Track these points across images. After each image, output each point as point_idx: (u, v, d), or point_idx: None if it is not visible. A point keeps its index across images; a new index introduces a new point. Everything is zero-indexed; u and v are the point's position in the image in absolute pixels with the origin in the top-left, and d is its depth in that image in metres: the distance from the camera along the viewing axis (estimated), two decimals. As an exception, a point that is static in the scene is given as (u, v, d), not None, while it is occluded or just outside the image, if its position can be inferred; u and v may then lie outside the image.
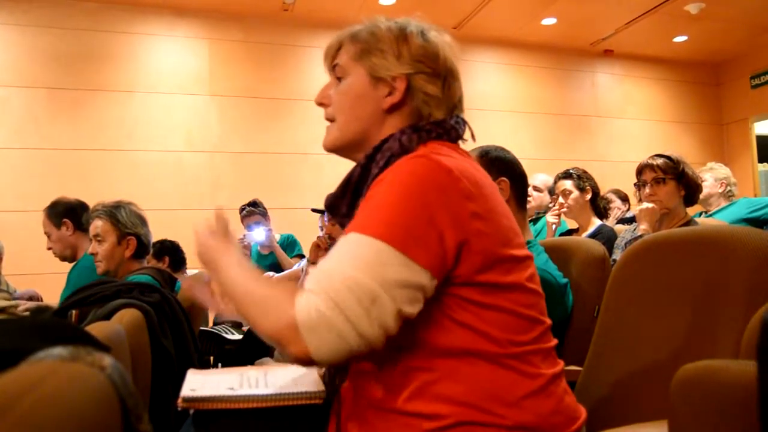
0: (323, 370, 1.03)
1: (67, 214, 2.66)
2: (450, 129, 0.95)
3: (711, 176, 3.42)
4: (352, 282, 0.75)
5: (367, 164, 0.93)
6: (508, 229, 0.88)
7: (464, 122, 1.00)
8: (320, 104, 1.02)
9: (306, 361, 0.76)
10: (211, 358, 2.99)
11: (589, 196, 2.76)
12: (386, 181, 0.83)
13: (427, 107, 0.95)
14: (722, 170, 3.48)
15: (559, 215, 2.86)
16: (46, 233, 2.71)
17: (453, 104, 0.98)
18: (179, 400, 0.95)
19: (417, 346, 0.83)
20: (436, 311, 0.83)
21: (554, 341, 0.94)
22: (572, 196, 2.75)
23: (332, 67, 1.01)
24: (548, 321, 0.93)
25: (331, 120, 1.01)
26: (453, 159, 0.85)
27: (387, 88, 0.95)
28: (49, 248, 2.72)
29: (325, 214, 2.71)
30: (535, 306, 0.90)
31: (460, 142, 0.99)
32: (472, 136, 1.01)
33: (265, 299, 0.78)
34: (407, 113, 0.96)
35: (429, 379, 0.83)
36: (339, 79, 0.99)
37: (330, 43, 1.02)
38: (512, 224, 0.91)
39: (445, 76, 0.96)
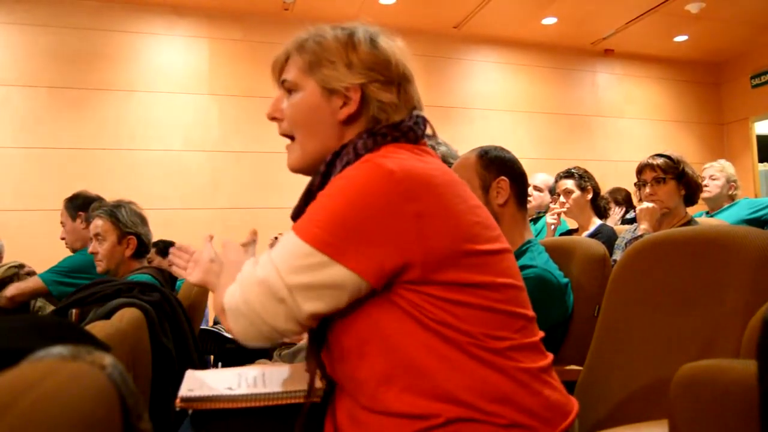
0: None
1: (84, 208, 2.68)
2: (407, 131, 0.93)
3: (723, 176, 3.38)
4: (265, 282, 0.84)
5: (327, 171, 0.92)
6: (472, 224, 0.86)
7: (424, 121, 0.98)
8: (272, 119, 1.01)
9: (236, 338, 0.90)
10: (212, 357, 2.99)
11: (590, 196, 2.76)
12: (328, 186, 0.86)
13: (384, 113, 0.94)
14: (732, 170, 3.45)
15: (558, 215, 2.86)
16: (61, 222, 2.78)
17: (412, 107, 0.97)
18: (177, 401, 0.95)
19: (396, 347, 0.83)
20: (410, 312, 0.83)
21: (539, 334, 0.93)
22: (573, 195, 2.75)
23: (281, 82, 1.00)
24: (530, 314, 0.92)
25: (286, 135, 1.01)
26: (401, 160, 0.84)
27: (341, 100, 0.94)
28: (63, 238, 2.78)
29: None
30: (513, 300, 0.89)
31: (426, 140, 0.99)
32: (433, 132, 1.00)
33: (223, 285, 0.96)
34: (364, 122, 0.95)
35: (412, 379, 0.82)
36: (290, 92, 0.98)
37: (277, 55, 1.01)
38: (481, 219, 0.89)
39: (399, 82, 0.95)
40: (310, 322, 0.86)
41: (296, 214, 0.96)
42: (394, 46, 0.97)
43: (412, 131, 0.94)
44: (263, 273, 0.84)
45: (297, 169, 1.01)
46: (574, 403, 0.92)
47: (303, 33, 0.99)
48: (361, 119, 0.95)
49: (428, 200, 0.82)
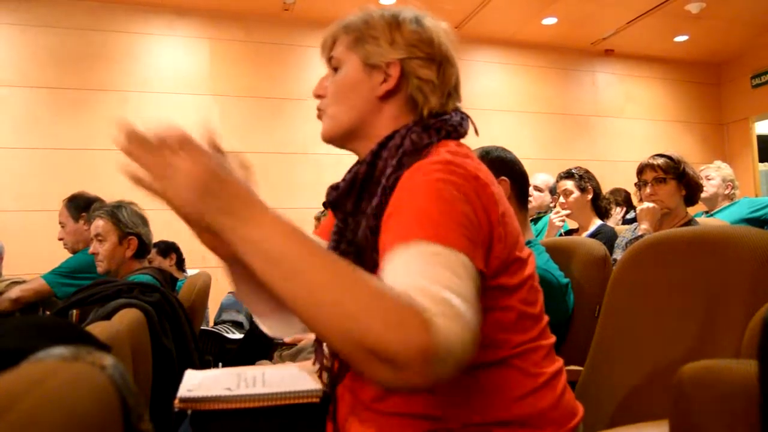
0: (317, 367, 1.02)
1: (86, 208, 2.65)
2: (457, 125, 0.94)
3: (719, 176, 3.40)
4: (467, 299, 0.65)
5: (373, 161, 0.91)
6: (518, 232, 0.89)
7: (468, 118, 0.99)
8: (317, 96, 1.01)
9: (414, 390, 0.69)
10: (212, 358, 2.99)
11: (590, 197, 2.76)
12: (422, 188, 0.78)
13: (421, 93, 0.93)
14: (728, 170, 3.46)
15: (563, 219, 2.84)
16: (60, 222, 2.72)
17: (448, 90, 0.96)
18: (176, 401, 0.95)
19: None
20: None
21: (553, 338, 0.95)
22: (573, 196, 2.75)
23: (328, 59, 1.00)
24: (546, 317, 0.94)
25: (321, 110, 1.00)
26: (473, 162, 0.85)
27: (381, 75, 0.94)
28: (61, 239, 2.73)
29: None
30: (536, 303, 0.91)
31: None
32: (476, 131, 1.00)
33: (387, 306, 0.59)
34: (402, 100, 0.95)
35: None
36: (335, 70, 0.99)
37: (325, 35, 1.02)
38: (518, 225, 0.91)
39: (441, 62, 0.95)
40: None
41: (336, 201, 0.95)
42: (440, 28, 0.97)
43: (461, 126, 0.95)
44: (461, 289, 0.65)
45: (328, 139, 0.99)
46: (580, 408, 0.93)
47: (351, 15, 1.00)
48: (398, 96, 0.94)
49: (501, 205, 0.84)
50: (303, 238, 0.64)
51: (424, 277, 0.65)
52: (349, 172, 0.94)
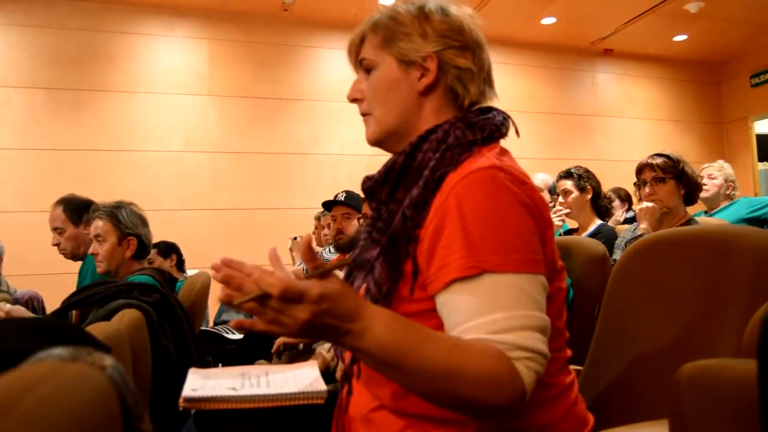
0: (324, 367, 1.03)
1: (87, 212, 2.52)
2: (500, 125, 0.93)
3: (721, 175, 3.40)
4: (541, 329, 0.77)
5: (412, 152, 0.90)
6: (554, 239, 0.89)
7: (509, 119, 0.97)
8: (353, 100, 0.99)
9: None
10: (211, 358, 2.99)
11: (589, 196, 2.75)
12: (477, 203, 0.79)
13: (460, 83, 0.92)
14: (730, 170, 3.47)
15: (562, 219, 2.84)
16: (56, 228, 2.59)
17: (484, 77, 0.96)
18: (180, 401, 0.95)
19: None
20: None
21: (569, 352, 0.95)
22: (572, 196, 2.74)
23: (359, 62, 0.99)
24: (567, 333, 0.95)
25: (366, 114, 0.98)
26: (519, 167, 0.85)
27: (419, 71, 0.92)
28: (56, 244, 2.61)
29: (332, 209, 2.69)
30: (561, 316, 0.91)
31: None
32: (516, 132, 0.98)
33: (488, 375, 0.72)
34: (442, 93, 0.93)
35: None
36: (368, 71, 0.97)
37: (352, 37, 1.00)
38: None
39: (473, 48, 0.94)
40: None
41: (371, 189, 0.95)
42: (465, 14, 0.96)
43: (503, 126, 0.94)
44: (538, 323, 0.77)
45: (376, 142, 0.98)
46: (591, 419, 0.94)
47: (375, 13, 0.98)
48: (438, 89, 0.93)
49: (546, 210, 0.85)
50: (405, 338, 0.72)
51: (502, 321, 0.74)
52: (386, 163, 0.93)
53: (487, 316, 0.74)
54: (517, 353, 0.73)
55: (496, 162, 0.82)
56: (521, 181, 0.81)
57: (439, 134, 0.89)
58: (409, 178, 0.89)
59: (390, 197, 0.91)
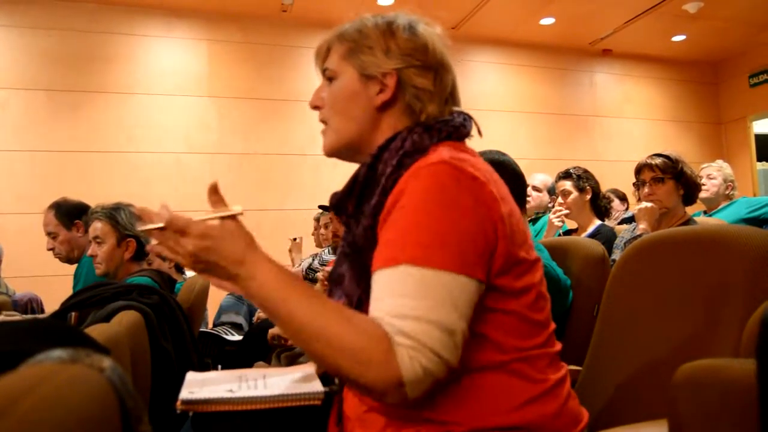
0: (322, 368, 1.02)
1: (79, 216, 2.58)
2: (459, 126, 0.93)
3: (720, 175, 3.40)
4: (443, 326, 0.74)
5: (373, 163, 0.91)
6: (522, 231, 0.88)
7: (470, 119, 0.98)
8: (314, 107, 1.00)
9: (402, 404, 0.77)
10: (210, 359, 2.99)
11: (588, 197, 2.75)
12: (416, 195, 0.80)
13: (419, 102, 0.93)
14: (729, 170, 3.47)
15: (562, 220, 2.84)
16: (50, 233, 2.61)
17: (446, 97, 0.96)
18: (178, 403, 0.95)
19: None
20: None
21: (559, 346, 0.94)
22: (571, 197, 2.74)
23: (323, 70, 1.00)
24: (553, 325, 0.94)
25: (324, 122, 0.99)
26: (472, 163, 0.84)
27: (378, 86, 0.93)
28: (50, 249, 2.63)
29: (330, 211, 2.69)
30: (543, 309, 0.90)
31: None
32: (479, 132, 0.99)
33: (354, 346, 0.72)
34: (400, 109, 0.94)
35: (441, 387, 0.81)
36: (330, 80, 0.98)
37: (319, 45, 1.01)
38: (524, 225, 0.91)
39: (436, 69, 0.94)
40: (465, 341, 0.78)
41: (338, 204, 0.96)
42: (434, 33, 0.96)
43: (463, 127, 0.94)
44: (435, 316, 0.74)
45: (330, 153, 0.99)
46: (585, 414, 0.94)
47: (346, 23, 0.99)
48: (396, 106, 0.94)
49: (503, 203, 0.84)
50: (289, 288, 0.77)
51: (402, 307, 0.74)
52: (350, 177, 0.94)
53: (391, 299, 0.76)
54: (402, 339, 0.72)
55: (445, 157, 0.82)
56: (471, 176, 0.81)
57: (398, 142, 0.90)
58: (372, 188, 0.90)
59: (357, 210, 0.92)
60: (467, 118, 0.97)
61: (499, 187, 0.87)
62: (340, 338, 0.73)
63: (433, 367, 0.72)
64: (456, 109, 0.97)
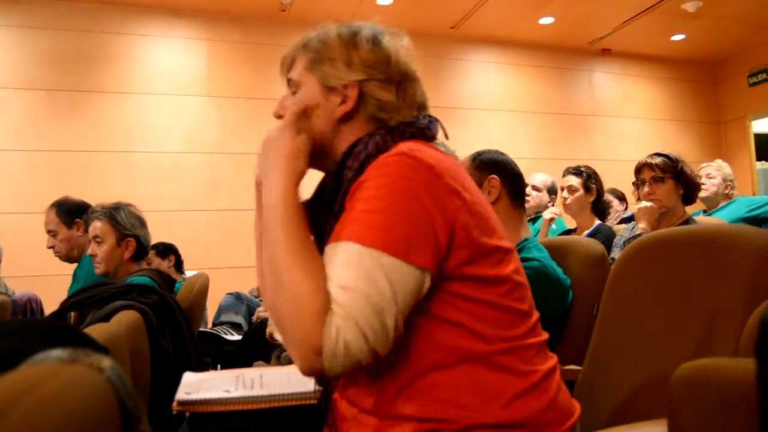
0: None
1: (80, 214, 2.59)
2: (423, 128, 0.93)
3: (719, 174, 3.40)
4: (375, 305, 0.74)
5: (339, 170, 0.91)
6: (492, 220, 0.89)
7: (436, 121, 0.98)
8: (279, 117, 1.00)
9: (313, 374, 0.77)
10: (210, 359, 2.99)
11: (592, 198, 2.76)
12: (372, 183, 0.82)
13: (384, 113, 0.93)
14: (728, 169, 3.47)
15: (556, 214, 2.84)
16: (50, 231, 2.63)
17: (415, 107, 0.96)
18: (174, 404, 0.95)
19: (407, 349, 0.83)
20: (425, 310, 0.83)
21: (545, 335, 0.94)
22: (577, 194, 2.75)
23: (288, 80, 1.00)
24: (537, 314, 0.93)
25: None
26: (431, 155, 0.84)
27: (339, 97, 0.93)
28: (51, 247, 2.64)
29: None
30: (523, 298, 0.90)
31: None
32: (446, 135, 0.99)
33: (298, 297, 0.76)
34: (362, 121, 0.94)
35: (422, 382, 0.82)
36: (294, 90, 0.99)
37: (284, 54, 1.01)
38: (494, 216, 0.91)
39: (400, 81, 0.94)
40: (397, 334, 0.78)
41: (309, 216, 0.95)
42: (398, 45, 0.96)
43: (428, 129, 0.94)
44: (365, 291, 0.75)
45: None
46: (577, 406, 0.93)
47: (311, 31, 0.99)
48: (358, 118, 0.94)
49: (464, 194, 0.84)
50: (289, 220, 0.83)
51: (340, 278, 0.76)
52: (317, 186, 0.95)
53: (333, 268, 0.78)
54: (336, 308, 0.74)
55: (404, 149, 0.83)
56: (428, 165, 0.81)
57: (360, 147, 0.90)
58: (338, 195, 0.90)
59: (324, 218, 0.92)
60: (432, 121, 0.97)
61: (462, 178, 0.86)
62: (296, 282, 0.77)
63: (354, 348, 0.73)
64: (424, 113, 0.98)
